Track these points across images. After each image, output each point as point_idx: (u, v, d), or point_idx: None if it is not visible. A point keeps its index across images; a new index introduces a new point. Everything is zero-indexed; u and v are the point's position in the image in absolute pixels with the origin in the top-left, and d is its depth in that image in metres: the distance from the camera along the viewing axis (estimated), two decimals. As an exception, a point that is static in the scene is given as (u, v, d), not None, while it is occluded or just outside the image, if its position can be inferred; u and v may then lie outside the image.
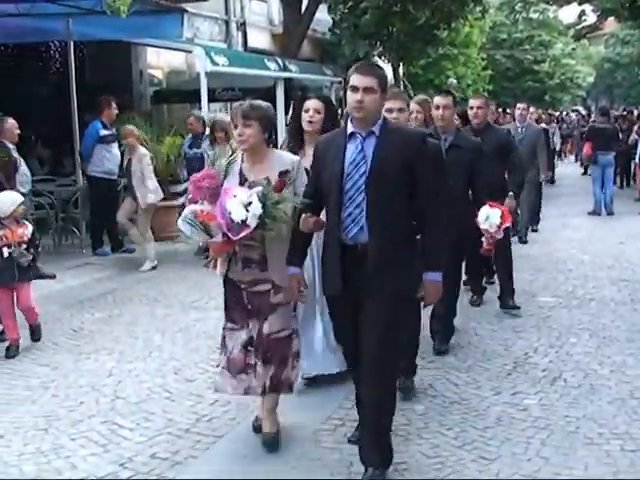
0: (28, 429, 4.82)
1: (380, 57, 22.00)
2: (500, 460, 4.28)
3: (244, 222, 3.98)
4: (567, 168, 24.32)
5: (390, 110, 4.85)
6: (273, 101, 14.69)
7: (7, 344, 6.33)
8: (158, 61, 17.63)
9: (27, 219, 6.68)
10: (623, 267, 9.40)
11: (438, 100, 6.06)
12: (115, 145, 10.50)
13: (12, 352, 6.27)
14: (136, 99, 16.45)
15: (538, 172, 10.85)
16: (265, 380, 4.32)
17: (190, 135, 10.48)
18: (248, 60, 15.47)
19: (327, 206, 4.02)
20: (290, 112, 5.01)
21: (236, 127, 4.31)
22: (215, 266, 4.50)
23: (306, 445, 4.50)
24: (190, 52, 14.54)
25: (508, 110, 18.98)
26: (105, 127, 10.45)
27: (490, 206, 5.73)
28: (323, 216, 4.10)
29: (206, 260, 8.63)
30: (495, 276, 7.97)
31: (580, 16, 27.89)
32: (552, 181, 18.74)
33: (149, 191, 9.47)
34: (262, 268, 4.30)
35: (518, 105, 11.06)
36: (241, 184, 4.23)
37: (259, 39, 20.16)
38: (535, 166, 10.58)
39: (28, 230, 6.37)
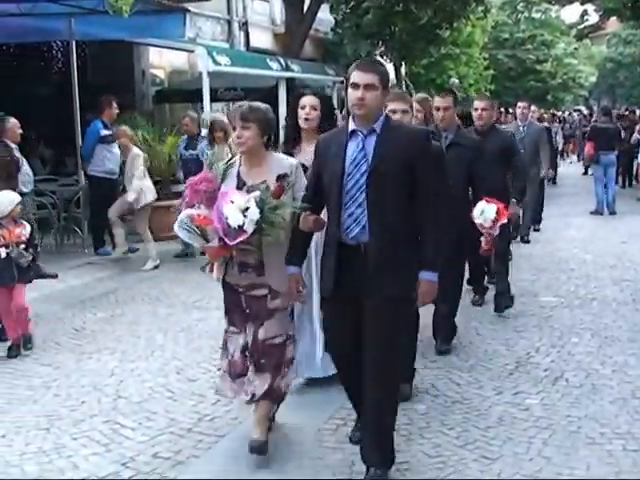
0: (30, 429, 4.82)
1: (382, 57, 21.96)
2: (502, 460, 4.28)
3: (241, 227, 3.94)
4: (569, 168, 24.30)
5: (394, 111, 4.83)
6: (275, 101, 14.72)
7: (9, 344, 6.33)
8: (160, 61, 17.64)
9: (29, 219, 6.67)
10: (625, 267, 9.39)
11: (438, 102, 6.03)
12: (116, 145, 10.50)
13: (14, 352, 6.27)
14: (138, 99, 16.46)
15: (540, 171, 10.82)
16: (256, 388, 4.25)
17: (185, 136, 10.45)
18: (250, 60, 15.48)
19: (328, 205, 4.00)
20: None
21: (234, 129, 4.27)
22: (212, 270, 4.43)
23: (308, 445, 4.50)
24: (192, 52, 14.55)
25: (510, 110, 18.95)
26: (106, 127, 10.45)
27: (487, 202, 5.71)
28: (324, 215, 4.07)
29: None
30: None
31: (582, 16, 27.90)
32: (554, 181, 18.72)
33: (132, 189, 9.52)
34: (259, 273, 4.25)
35: (519, 104, 11.03)
36: (239, 187, 4.18)
37: (261, 39, 20.17)
38: (537, 165, 10.57)
39: (26, 230, 6.33)
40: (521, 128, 10.34)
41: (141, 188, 9.60)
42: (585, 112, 33.98)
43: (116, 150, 10.52)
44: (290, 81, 15.83)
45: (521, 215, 9.59)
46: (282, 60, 15.62)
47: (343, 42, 21.40)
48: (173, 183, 11.14)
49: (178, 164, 10.69)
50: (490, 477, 4.10)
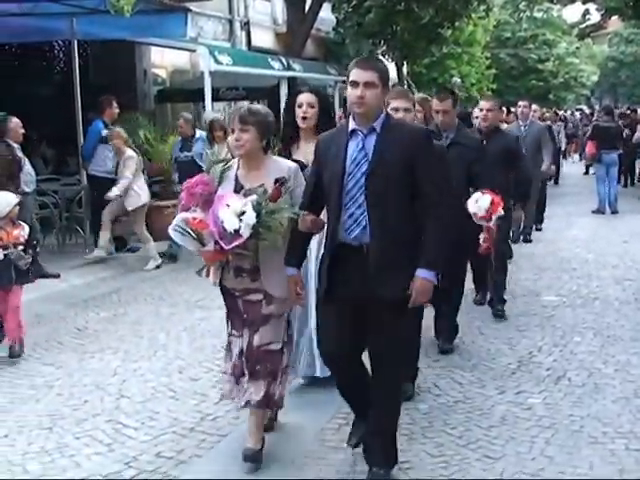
0: (32, 428, 4.82)
1: (384, 56, 21.94)
2: (504, 459, 4.27)
3: (237, 231, 3.85)
4: (571, 167, 24.28)
5: (396, 109, 4.81)
6: (277, 100, 14.72)
7: (10, 343, 6.33)
8: (162, 60, 17.65)
9: (31, 218, 6.65)
10: (627, 266, 9.39)
11: (436, 105, 5.94)
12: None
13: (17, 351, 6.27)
14: (140, 98, 16.47)
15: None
16: (250, 395, 4.17)
17: (180, 138, 10.42)
18: (252, 59, 15.49)
19: (328, 206, 3.93)
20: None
21: (233, 131, 4.17)
22: (208, 274, 4.35)
23: (310, 444, 4.50)
24: (194, 51, 14.55)
25: (512, 109, 18.95)
26: (107, 127, 10.45)
27: (482, 193, 5.67)
28: (323, 216, 4.02)
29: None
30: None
31: (584, 15, 27.82)
32: (556, 181, 18.71)
33: (117, 187, 9.54)
34: (253, 278, 4.15)
35: (519, 103, 11.00)
36: (236, 191, 4.10)
37: (263, 38, 20.17)
38: (539, 164, 10.55)
39: (24, 231, 6.24)
40: (522, 128, 10.32)
41: (134, 190, 9.63)
42: (587, 111, 33.94)
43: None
44: (292, 80, 15.82)
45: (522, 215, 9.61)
46: (284, 60, 15.63)
47: (345, 41, 21.41)
48: (175, 183, 11.13)
49: (173, 166, 10.65)
50: (493, 476, 4.09)
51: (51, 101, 14.25)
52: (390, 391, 3.95)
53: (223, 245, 3.91)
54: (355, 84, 3.76)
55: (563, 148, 21.09)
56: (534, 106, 12.15)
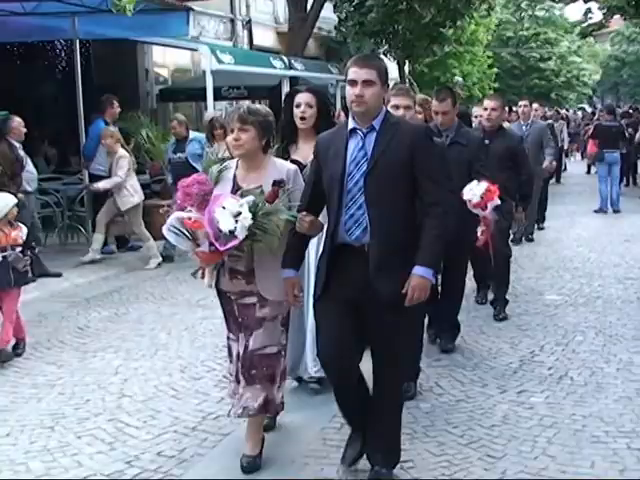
0: (34, 427, 4.82)
1: (386, 55, 21.94)
2: (506, 458, 4.27)
3: (232, 233, 3.77)
4: (574, 166, 24.26)
5: (397, 107, 4.79)
6: (279, 99, 14.69)
7: (13, 342, 6.33)
8: (164, 59, 17.66)
9: (33, 217, 6.63)
10: (629, 265, 9.38)
11: (436, 106, 5.90)
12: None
13: (18, 350, 6.27)
14: (142, 97, 16.48)
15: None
16: (247, 401, 4.10)
17: (174, 139, 10.39)
18: (254, 58, 15.47)
19: (328, 206, 3.87)
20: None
21: (232, 131, 4.07)
22: (203, 276, 4.29)
23: (312, 443, 4.50)
24: (196, 50, 14.53)
25: (514, 108, 18.94)
26: (108, 126, 10.45)
27: (479, 182, 5.65)
28: (322, 217, 3.95)
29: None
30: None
31: (586, 14, 27.73)
32: (558, 180, 18.69)
33: (106, 181, 9.61)
34: (248, 280, 4.09)
35: (520, 102, 10.99)
36: (234, 192, 4.01)
37: (265, 37, 20.19)
38: (541, 163, 10.54)
39: (23, 233, 6.19)
40: (523, 128, 10.30)
41: (127, 190, 9.63)
42: (589, 110, 33.92)
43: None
44: (293, 80, 15.82)
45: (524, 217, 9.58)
46: (285, 59, 15.61)
47: (346, 41, 21.39)
48: (169, 184, 11.12)
49: (167, 168, 10.61)
50: (495, 476, 4.09)
51: (53, 100, 14.28)
52: (392, 391, 3.93)
53: (218, 246, 3.85)
54: (353, 82, 3.70)
55: (566, 147, 21.05)
56: (535, 105, 12.12)
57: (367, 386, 3.99)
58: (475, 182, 5.62)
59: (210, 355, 6.13)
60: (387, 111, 3.94)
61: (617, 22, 33.78)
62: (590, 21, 27.80)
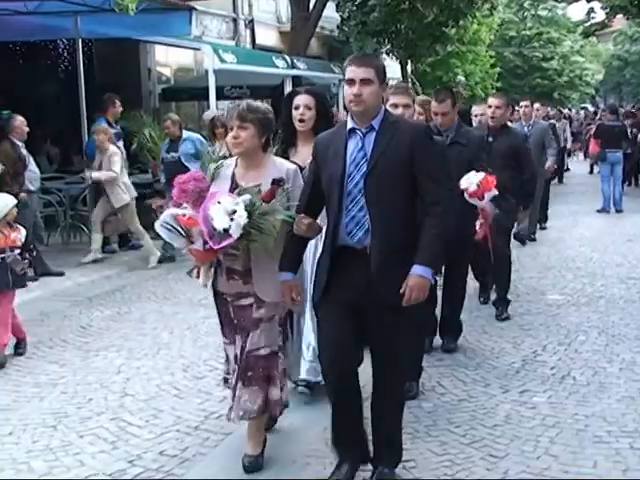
0: (37, 426, 4.83)
1: (388, 54, 21.96)
2: (509, 458, 4.27)
3: (227, 231, 3.71)
4: (576, 166, 24.24)
5: (395, 105, 4.78)
6: (281, 99, 14.68)
7: (15, 341, 6.34)
8: (166, 59, 17.67)
9: (36, 216, 6.62)
10: (632, 265, 9.37)
11: (435, 107, 5.87)
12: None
13: (20, 349, 6.27)
14: (144, 97, 16.50)
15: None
16: (246, 403, 4.04)
17: (167, 139, 10.34)
18: (256, 58, 15.48)
19: (328, 208, 3.83)
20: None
21: (231, 129, 4.01)
22: (198, 275, 4.23)
23: (314, 443, 4.49)
24: (198, 50, 14.53)
25: (516, 107, 18.93)
26: (110, 125, 10.45)
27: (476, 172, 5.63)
28: (321, 218, 3.91)
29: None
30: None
31: (589, 13, 27.70)
32: (560, 179, 18.67)
33: (98, 173, 9.61)
34: (245, 280, 4.03)
35: (521, 103, 10.96)
36: (232, 190, 3.96)
37: (267, 37, 20.19)
38: (543, 163, 10.53)
39: (22, 235, 6.16)
40: (525, 128, 10.26)
41: (120, 187, 9.63)
42: (591, 110, 33.89)
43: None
44: (296, 79, 15.81)
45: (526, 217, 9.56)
46: (288, 58, 15.61)
47: (349, 40, 21.37)
48: (162, 184, 11.11)
49: (160, 167, 10.60)
50: (497, 475, 4.09)
51: (55, 99, 14.29)
52: (392, 391, 3.92)
53: (212, 244, 3.80)
54: (351, 82, 3.66)
55: (569, 146, 21.03)
56: (536, 105, 12.09)
57: (362, 402, 3.93)
58: (472, 172, 5.60)
59: (212, 354, 6.13)
60: (386, 110, 3.91)
61: (620, 22, 33.75)
62: (593, 21, 27.80)
